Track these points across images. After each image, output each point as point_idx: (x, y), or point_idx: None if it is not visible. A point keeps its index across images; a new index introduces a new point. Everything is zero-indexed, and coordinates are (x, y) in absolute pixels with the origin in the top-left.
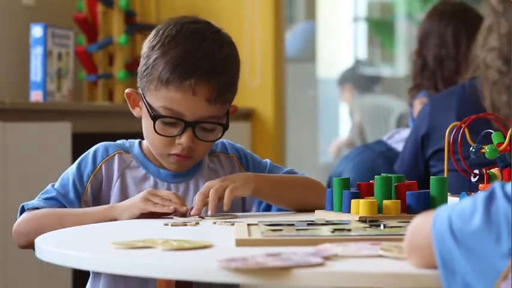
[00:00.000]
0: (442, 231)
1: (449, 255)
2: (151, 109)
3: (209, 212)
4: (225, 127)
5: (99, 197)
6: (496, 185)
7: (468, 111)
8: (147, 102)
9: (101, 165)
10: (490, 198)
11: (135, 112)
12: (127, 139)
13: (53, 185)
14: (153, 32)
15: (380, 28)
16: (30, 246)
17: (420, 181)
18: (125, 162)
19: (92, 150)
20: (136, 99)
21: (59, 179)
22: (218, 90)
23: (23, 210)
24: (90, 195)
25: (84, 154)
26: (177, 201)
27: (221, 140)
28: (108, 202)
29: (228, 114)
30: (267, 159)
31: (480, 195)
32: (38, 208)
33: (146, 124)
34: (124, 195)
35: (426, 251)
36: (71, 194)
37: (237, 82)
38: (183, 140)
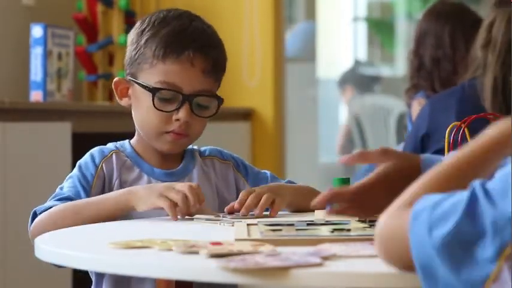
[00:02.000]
0: (421, 236)
1: (428, 260)
2: (147, 87)
3: (256, 212)
4: (221, 101)
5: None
6: (476, 185)
7: (468, 111)
8: (140, 84)
9: (101, 165)
10: (472, 200)
11: (124, 102)
12: (125, 139)
13: (61, 188)
14: (138, 23)
15: (380, 28)
16: None
17: None
18: (121, 160)
19: (87, 155)
20: (125, 89)
21: (64, 184)
22: (214, 62)
23: (34, 216)
24: (95, 195)
25: (80, 160)
26: (191, 200)
27: (216, 147)
28: None
29: (218, 97)
30: (266, 170)
31: (460, 197)
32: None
33: (141, 107)
34: None
35: (404, 254)
36: (82, 193)
37: (226, 62)
38: (181, 114)
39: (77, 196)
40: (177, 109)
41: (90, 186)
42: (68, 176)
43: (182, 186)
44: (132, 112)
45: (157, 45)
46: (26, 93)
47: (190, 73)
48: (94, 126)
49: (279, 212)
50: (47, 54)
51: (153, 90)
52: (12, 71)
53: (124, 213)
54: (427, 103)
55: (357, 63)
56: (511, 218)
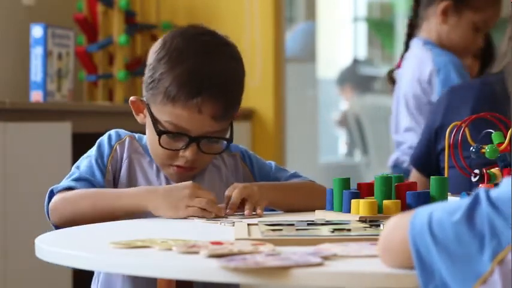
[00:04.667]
0: (421, 227)
1: (426, 252)
2: (156, 122)
3: (246, 212)
4: (230, 141)
5: (117, 177)
6: (481, 190)
7: (483, 110)
8: (152, 114)
9: (115, 147)
10: (474, 202)
11: (139, 118)
12: None
13: (77, 167)
14: (159, 42)
15: (380, 28)
16: (64, 225)
17: (433, 174)
18: (134, 146)
19: (105, 136)
20: (141, 106)
21: (80, 162)
22: (225, 108)
23: (51, 194)
24: (111, 174)
25: (98, 140)
26: (213, 209)
27: None
28: (123, 182)
29: (232, 125)
30: (272, 161)
31: (464, 200)
32: (69, 189)
33: (150, 133)
34: (130, 178)
35: (403, 248)
36: (97, 173)
37: (242, 96)
38: (188, 153)
39: (92, 176)
40: (184, 148)
41: (105, 166)
42: (85, 155)
43: (201, 200)
44: (146, 130)
45: (169, 85)
46: (26, 93)
47: (198, 119)
48: (94, 126)
49: (279, 212)
50: (47, 54)
51: (160, 133)
52: (12, 71)
53: (140, 212)
54: (444, 96)
55: (356, 62)
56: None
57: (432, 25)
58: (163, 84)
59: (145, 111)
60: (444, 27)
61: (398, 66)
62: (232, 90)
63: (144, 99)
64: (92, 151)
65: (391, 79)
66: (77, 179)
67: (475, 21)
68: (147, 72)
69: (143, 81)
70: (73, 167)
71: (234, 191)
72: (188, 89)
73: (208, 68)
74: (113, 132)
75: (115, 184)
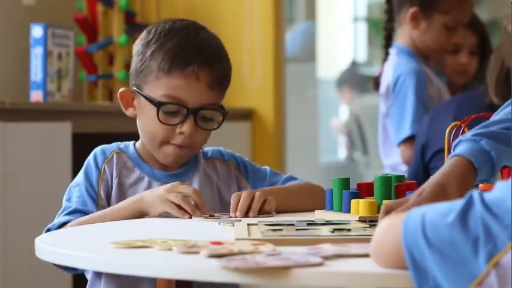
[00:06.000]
0: (414, 229)
1: (419, 254)
2: (152, 99)
3: (251, 214)
4: (225, 114)
5: (110, 198)
6: (474, 192)
7: (467, 113)
8: (146, 94)
9: (104, 167)
10: (468, 206)
11: (129, 112)
12: (127, 139)
13: (67, 200)
14: (144, 32)
15: (380, 28)
16: None
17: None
18: (122, 161)
19: (90, 156)
20: (130, 99)
21: (70, 193)
22: (219, 76)
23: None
24: (104, 199)
25: (85, 163)
26: (196, 202)
27: (217, 148)
28: (114, 200)
29: (224, 109)
30: (267, 166)
31: (457, 202)
32: (65, 223)
33: (145, 118)
34: (121, 194)
35: (395, 249)
36: (89, 203)
37: (231, 72)
38: (185, 128)
39: (85, 206)
40: (182, 122)
41: (96, 193)
42: (74, 183)
43: (185, 188)
44: (137, 122)
45: (162, 59)
46: (26, 93)
47: (195, 87)
48: (94, 126)
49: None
50: (47, 55)
51: (158, 104)
52: (12, 71)
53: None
54: (428, 114)
55: (354, 64)
56: (507, 227)
57: (406, 30)
58: (156, 61)
59: (136, 102)
60: (416, 32)
61: (381, 73)
62: (224, 60)
63: (133, 88)
64: (80, 177)
65: (376, 86)
66: (70, 213)
67: (446, 22)
68: (135, 60)
69: (130, 73)
70: (64, 199)
71: (256, 193)
72: (182, 58)
73: (197, 39)
74: (98, 150)
75: (109, 205)
